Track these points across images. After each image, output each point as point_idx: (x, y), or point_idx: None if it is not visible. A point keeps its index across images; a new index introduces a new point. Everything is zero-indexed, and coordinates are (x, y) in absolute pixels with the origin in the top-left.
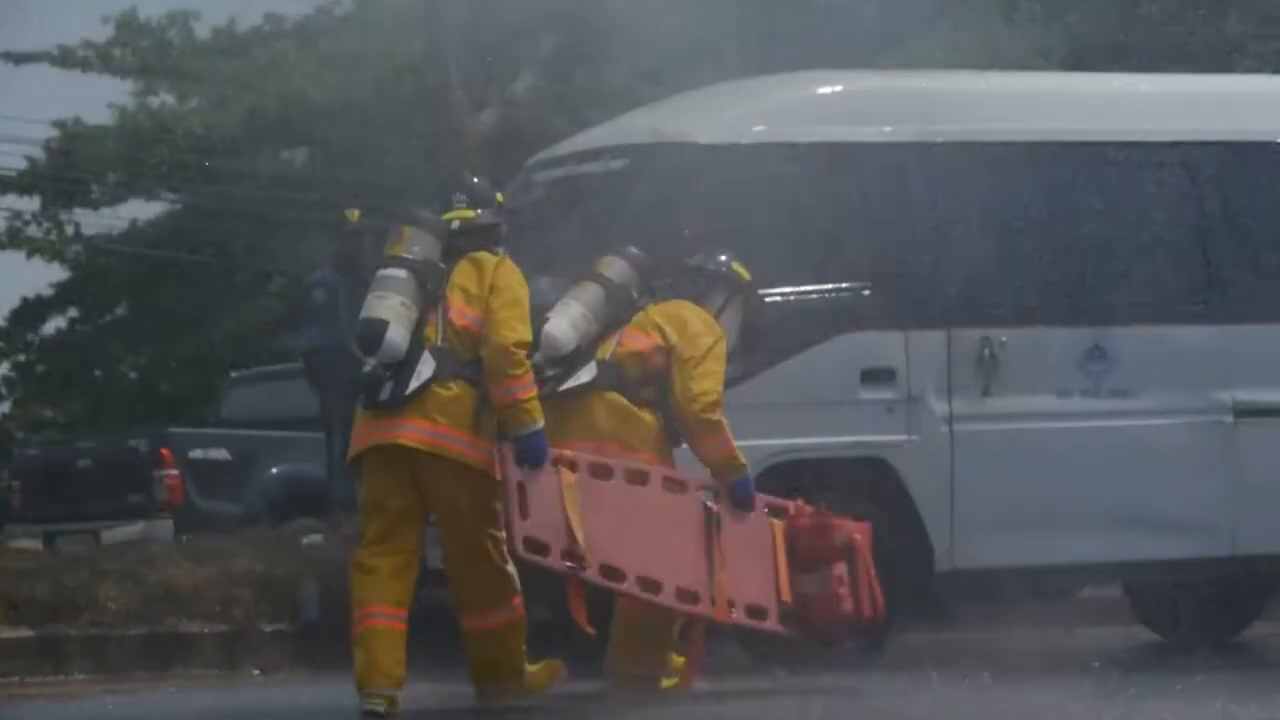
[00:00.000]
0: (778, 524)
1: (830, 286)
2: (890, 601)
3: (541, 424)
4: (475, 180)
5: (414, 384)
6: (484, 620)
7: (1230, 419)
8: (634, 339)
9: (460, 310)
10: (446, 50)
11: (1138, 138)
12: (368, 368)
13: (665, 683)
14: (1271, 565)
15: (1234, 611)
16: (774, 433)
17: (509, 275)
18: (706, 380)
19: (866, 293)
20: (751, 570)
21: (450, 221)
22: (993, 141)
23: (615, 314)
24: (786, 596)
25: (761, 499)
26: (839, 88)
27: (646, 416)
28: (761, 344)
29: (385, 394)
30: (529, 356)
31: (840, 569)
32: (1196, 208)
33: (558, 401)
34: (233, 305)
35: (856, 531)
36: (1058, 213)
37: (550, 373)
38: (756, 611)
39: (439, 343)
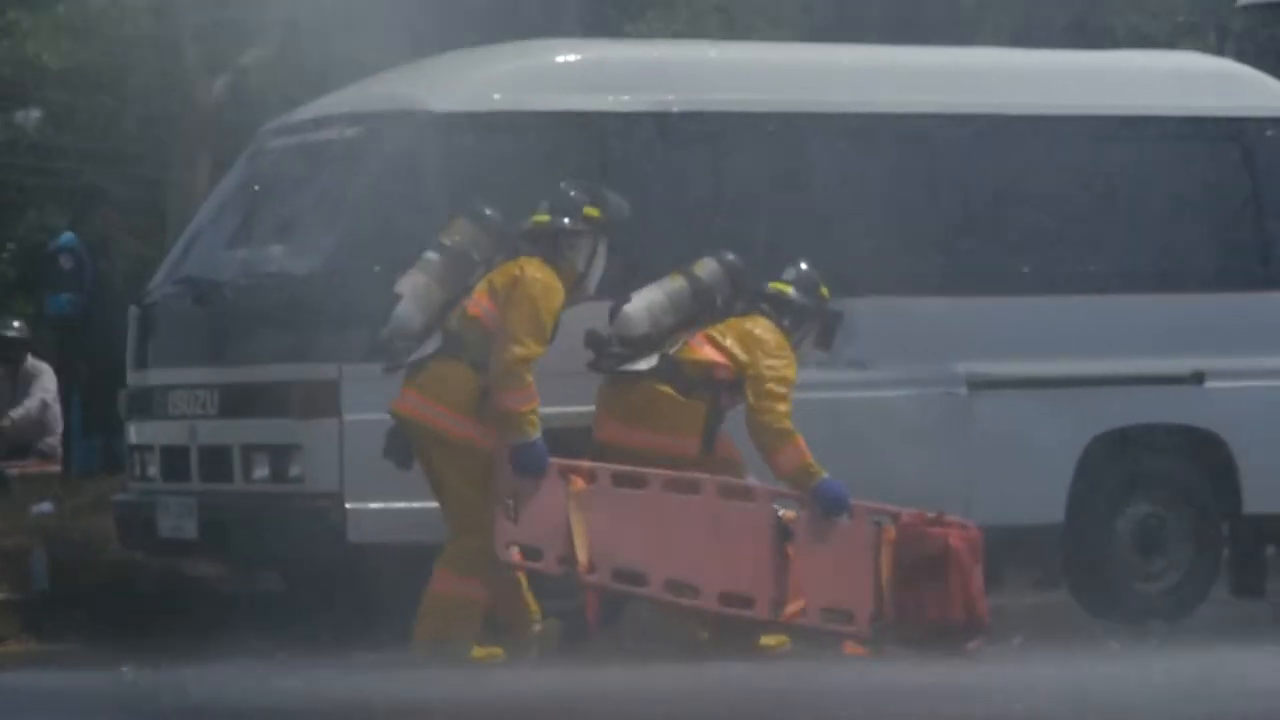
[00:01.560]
0: (888, 529)
1: None
2: None
3: (537, 435)
4: (568, 191)
5: (416, 355)
6: (446, 583)
7: (964, 390)
8: (702, 348)
9: (478, 300)
10: (180, 17)
11: (875, 110)
12: (382, 335)
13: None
14: (1004, 536)
15: None
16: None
17: (537, 285)
18: (775, 396)
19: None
20: (837, 575)
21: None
22: (730, 112)
23: (696, 313)
24: (885, 604)
25: (869, 506)
26: (576, 56)
27: (694, 404)
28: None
29: (390, 360)
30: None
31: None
32: (931, 180)
33: (613, 379)
34: None
35: (956, 538)
36: (793, 184)
37: (616, 349)
38: (836, 615)
39: (453, 325)
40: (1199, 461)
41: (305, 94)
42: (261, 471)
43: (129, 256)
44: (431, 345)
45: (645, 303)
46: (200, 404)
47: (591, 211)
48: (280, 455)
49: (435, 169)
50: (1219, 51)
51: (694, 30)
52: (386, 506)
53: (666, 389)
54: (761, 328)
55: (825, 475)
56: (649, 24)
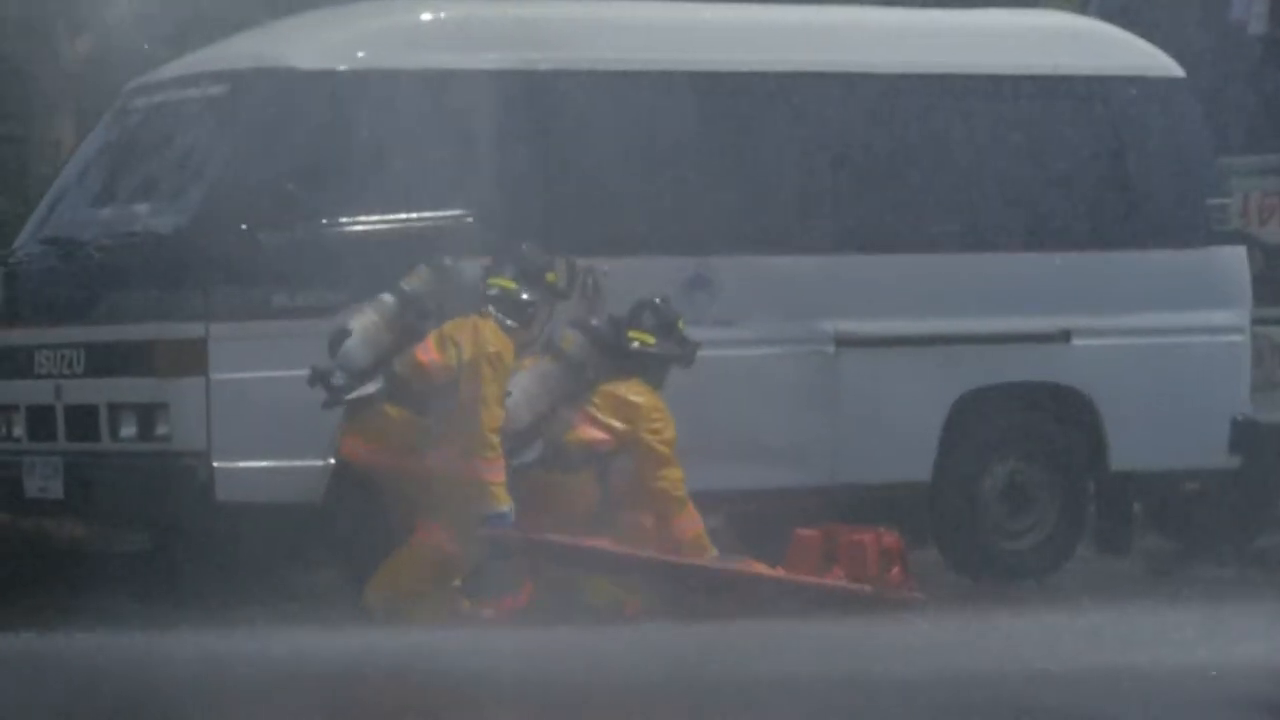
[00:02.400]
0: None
1: (430, 215)
2: None
3: (508, 507)
4: (531, 256)
5: (356, 393)
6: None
7: (832, 349)
8: (583, 427)
9: (428, 349)
10: None
11: (737, 68)
12: (322, 365)
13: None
14: (870, 494)
15: None
16: None
17: (502, 356)
18: (665, 461)
19: (469, 221)
20: None
21: (492, 286)
22: (597, 70)
23: (569, 390)
24: None
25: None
26: (442, 14)
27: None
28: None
29: (330, 391)
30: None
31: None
32: (800, 138)
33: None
34: None
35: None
36: (662, 142)
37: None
38: None
39: (397, 368)
40: (1066, 419)
41: (170, 52)
42: (128, 430)
43: None
44: (373, 386)
45: (524, 400)
46: (66, 363)
47: (552, 278)
48: (147, 414)
49: (300, 127)
50: (1084, 10)
51: None
52: (255, 465)
53: (558, 476)
54: (634, 391)
55: (715, 552)
56: None
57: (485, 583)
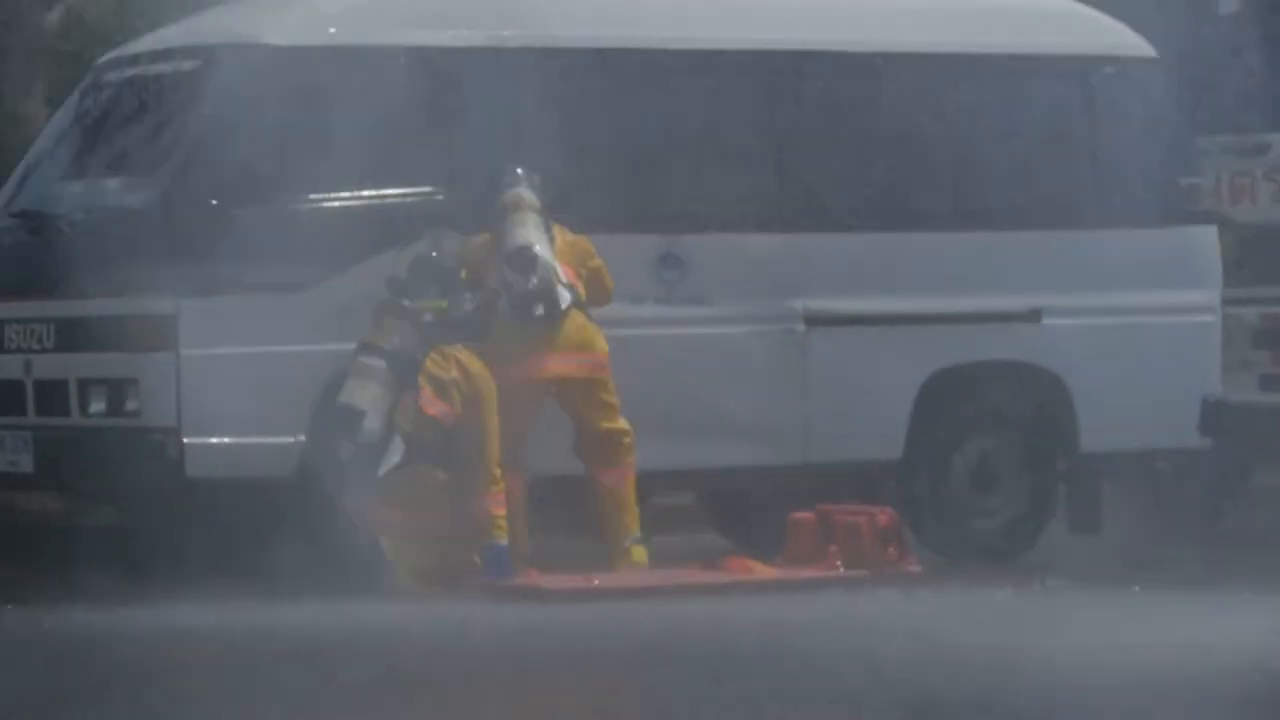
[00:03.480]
0: None
1: (400, 192)
2: None
3: (505, 541)
4: (437, 261)
5: (384, 468)
6: None
7: (801, 327)
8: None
9: (430, 400)
10: None
11: (709, 46)
12: (344, 454)
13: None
14: (842, 472)
15: None
16: (348, 337)
17: (487, 377)
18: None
19: (438, 198)
20: None
21: (424, 312)
22: (566, 48)
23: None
24: None
25: None
26: None
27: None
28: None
29: (358, 478)
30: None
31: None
32: (770, 116)
33: None
34: None
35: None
36: (632, 120)
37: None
38: None
39: (408, 428)
40: (1036, 399)
41: (143, 25)
42: (98, 405)
43: None
44: (396, 454)
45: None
46: (36, 338)
47: (465, 275)
48: (117, 389)
49: (271, 103)
50: None
51: None
52: (225, 441)
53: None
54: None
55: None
56: None
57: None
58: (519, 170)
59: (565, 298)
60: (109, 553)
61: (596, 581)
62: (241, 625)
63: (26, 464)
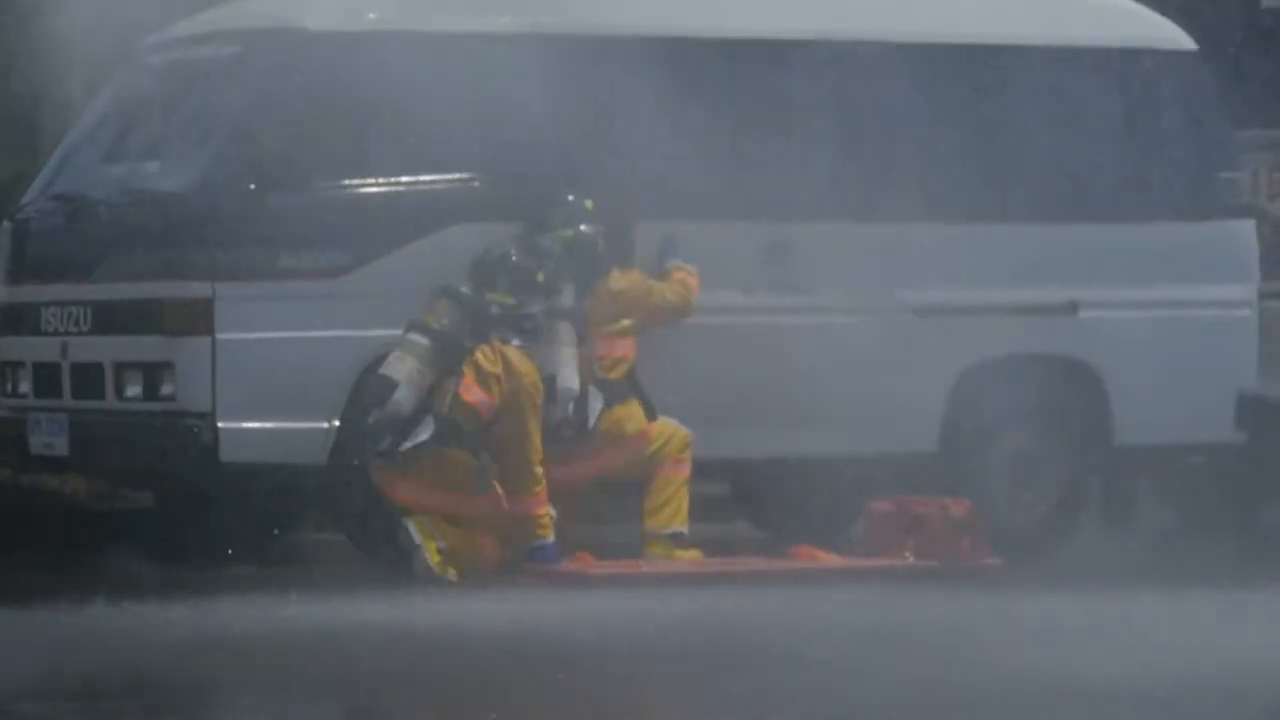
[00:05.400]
0: None
1: (438, 178)
2: None
3: (553, 538)
4: (516, 261)
5: (409, 444)
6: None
7: (911, 316)
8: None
9: (469, 387)
10: None
11: (748, 34)
12: (371, 420)
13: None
14: (878, 462)
15: None
16: (383, 323)
17: (533, 377)
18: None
19: (476, 185)
20: None
21: (491, 304)
22: (609, 35)
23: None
24: None
25: None
26: None
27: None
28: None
29: (384, 446)
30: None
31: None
32: (800, 107)
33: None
34: None
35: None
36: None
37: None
38: None
39: (444, 411)
40: (1072, 392)
41: (184, 9)
42: (134, 389)
43: (1, 171)
44: (425, 432)
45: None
46: (73, 320)
47: (540, 278)
48: (153, 373)
49: (310, 88)
50: None
51: None
52: (259, 426)
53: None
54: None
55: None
56: None
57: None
58: (570, 198)
59: (595, 410)
60: (142, 536)
61: (643, 567)
62: (272, 611)
63: (62, 447)
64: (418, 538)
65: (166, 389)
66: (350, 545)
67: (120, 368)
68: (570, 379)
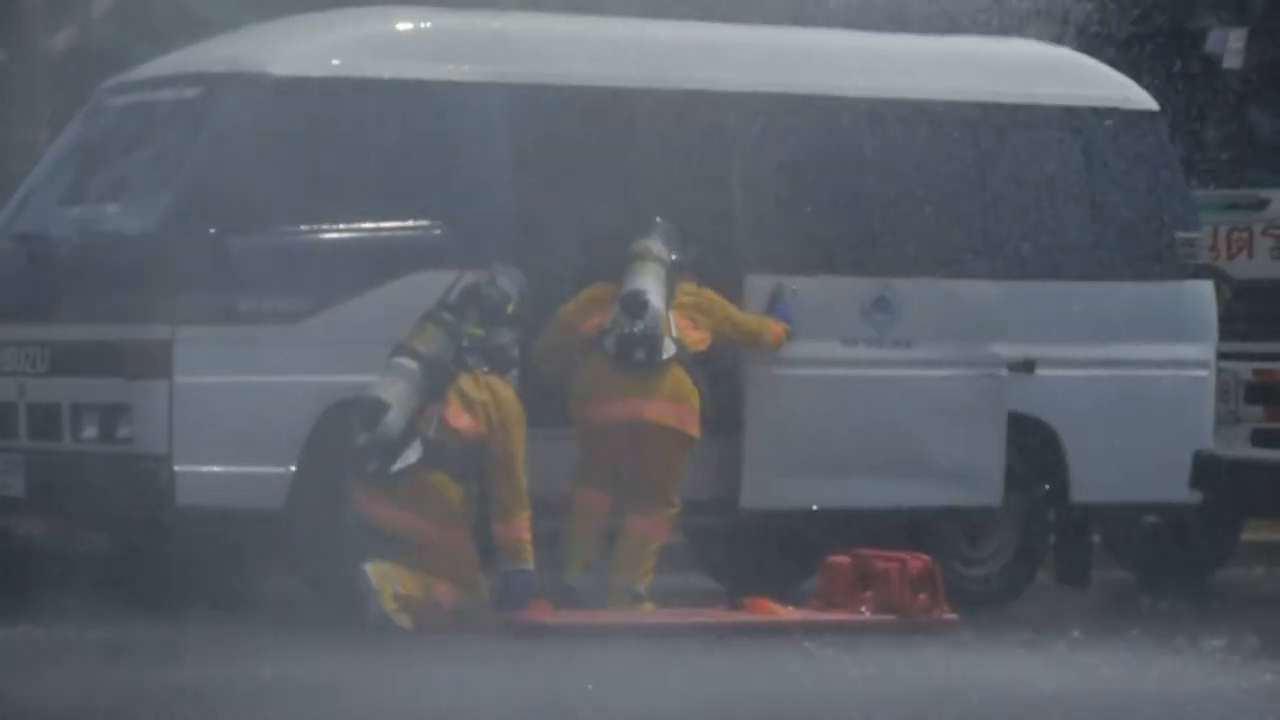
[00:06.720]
0: None
1: (400, 225)
2: None
3: (531, 566)
4: (487, 293)
5: (398, 465)
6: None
7: (1005, 372)
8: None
9: (456, 413)
10: None
11: (701, 87)
12: (361, 442)
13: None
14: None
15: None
16: (343, 369)
17: (518, 406)
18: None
19: (438, 232)
20: None
21: (464, 335)
22: (572, 85)
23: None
24: None
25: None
26: (417, 24)
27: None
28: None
29: (372, 468)
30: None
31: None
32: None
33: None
34: None
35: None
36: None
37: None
38: None
39: (430, 434)
40: (1027, 449)
41: (148, 51)
42: (91, 431)
43: None
44: (413, 455)
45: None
46: (30, 361)
47: (510, 309)
48: (110, 415)
49: (272, 133)
50: (1059, 40)
51: (536, 3)
52: (216, 470)
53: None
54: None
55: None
56: None
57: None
58: (657, 219)
59: (669, 348)
60: (97, 578)
61: (602, 618)
62: (224, 655)
63: (18, 487)
64: (374, 583)
65: (124, 431)
66: (305, 591)
67: (78, 409)
68: (657, 297)
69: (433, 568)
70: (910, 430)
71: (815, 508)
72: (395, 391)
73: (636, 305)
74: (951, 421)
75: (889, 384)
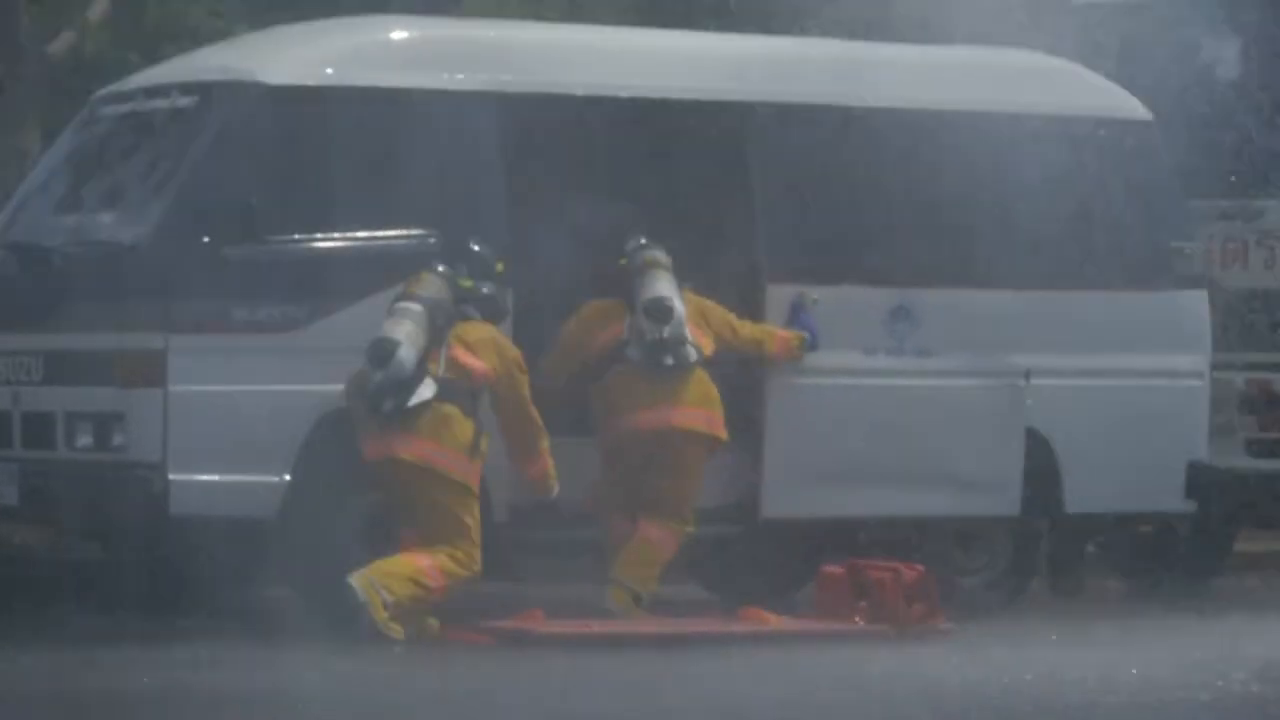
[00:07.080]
0: None
1: (394, 234)
2: None
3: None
4: (477, 250)
5: (414, 401)
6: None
7: (1023, 381)
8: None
9: (463, 352)
10: None
11: (702, 96)
12: (376, 380)
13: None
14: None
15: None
16: (336, 378)
17: (516, 352)
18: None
19: (431, 241)
20: None
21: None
22: (566, 95)
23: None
24: None
25: None
26: (411, 33)
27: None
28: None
29: (389, 406)
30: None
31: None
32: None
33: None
34: None
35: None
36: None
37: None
38: None
39: (441, 372)
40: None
41: (141, 61)
42: (85, 440)
43: None
44: (427, 391)
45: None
46: (24, 370)
47: (500, 269)
48: (104, 424)
49: (266, 142)
50: (1055, 50)
51: (532, 12)
52: (210, 479)
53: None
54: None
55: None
56: (482, 3)
57: None
58: (643, 240)
59: (692, 354)
60: (90, 587)
61: (593, 628)
62: (217, 665)
63: (11, 496)
64: (362, 595)
65: (118, 440)
66: (298, 600)
67: (72, 418)
68: (678, 302)
69: (434, 535)
70: (931, 440)
71: (837, 515)
72: (404, 330)
73: (661, 311)
74: (972, 431)
75: (909, 394)
